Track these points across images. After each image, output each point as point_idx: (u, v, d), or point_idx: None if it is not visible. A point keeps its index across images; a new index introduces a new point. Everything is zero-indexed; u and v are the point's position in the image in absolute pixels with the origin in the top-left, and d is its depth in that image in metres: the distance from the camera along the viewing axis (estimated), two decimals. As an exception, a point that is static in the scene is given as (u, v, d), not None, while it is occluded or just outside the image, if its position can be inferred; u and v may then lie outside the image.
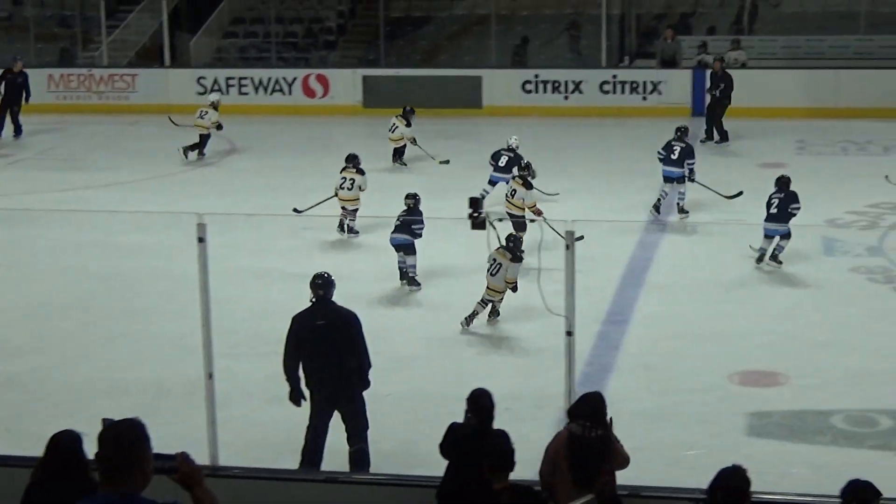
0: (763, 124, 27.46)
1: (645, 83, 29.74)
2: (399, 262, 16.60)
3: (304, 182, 22.40)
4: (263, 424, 12.00)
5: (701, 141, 25.89)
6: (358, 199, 19.13)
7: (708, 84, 27.20)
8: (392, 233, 16.56)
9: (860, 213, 20.13)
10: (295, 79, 31.17)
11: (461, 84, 30.47)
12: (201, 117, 25.39)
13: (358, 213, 19.24)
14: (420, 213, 16.52)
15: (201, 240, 8.87)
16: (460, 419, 8.62)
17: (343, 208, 19.16)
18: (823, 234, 18.86)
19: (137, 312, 15.85)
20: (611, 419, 8.19)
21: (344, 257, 18.00)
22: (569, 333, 8.92)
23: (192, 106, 27.32)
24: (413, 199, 16.72)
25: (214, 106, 25.54)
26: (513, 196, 17.50)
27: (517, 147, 21.14)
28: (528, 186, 17.54)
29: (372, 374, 10.85)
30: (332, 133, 28.66)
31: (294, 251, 18.42)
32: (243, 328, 14.52)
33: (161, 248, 18.15)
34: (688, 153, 20.05)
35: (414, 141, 24.13)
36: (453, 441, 8.59)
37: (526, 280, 14.09)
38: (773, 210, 17.29)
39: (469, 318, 14.89)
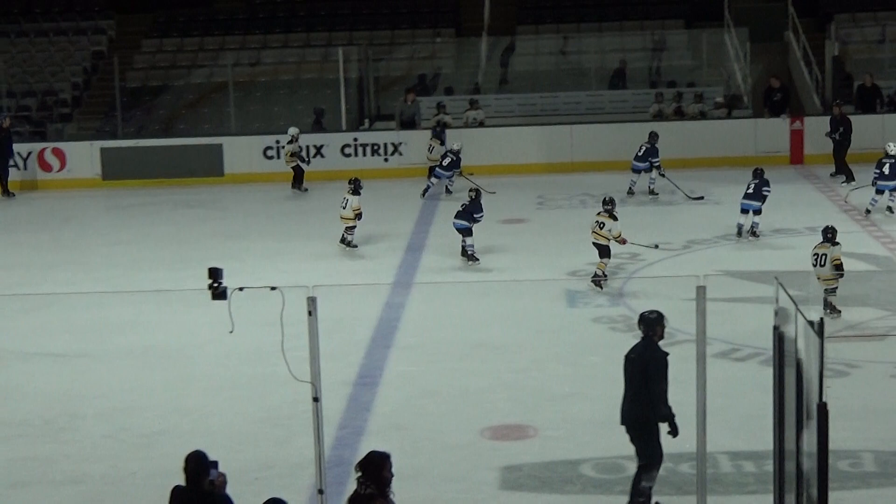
0: (503, 181, 27.91)
1: (386, 145, 29.98)
2: (461, 242, 20.69)
3: (44, 258, 21.86)
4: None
5: (842, 183, 26.85)
6: (353, 217, 21.73)
7: (829, 129, 27.87)
8: (454, 218, 20.85)
9: (600, 264, 20.59)
10: (30, 153, 30.32)
11: (201, 152, 30.18)
12: None
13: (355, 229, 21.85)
14: (480, 205, 20.77)
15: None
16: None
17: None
18: (566, 287, 19.23)
19: None
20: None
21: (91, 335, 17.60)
22: (315, 399, 8.85)
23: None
24: (475, 192, 21.01)
25: None
26: (601, 228, 19.20)
27: (459, 149, 26.62)
28: (614, 218, 19.20)
29: (119, 451, 10.56)
30: (71, 207, 27.97)
31: (31, 331, 17.90)
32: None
33: None
34: (652, 153, 25.90)
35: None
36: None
37: (271, 348, 13.95)
38: (750, 190, 21.74)
39: None
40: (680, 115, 30.89)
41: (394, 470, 8.35)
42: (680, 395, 10.93)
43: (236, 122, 31.75)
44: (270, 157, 29.99)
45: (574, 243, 22.09)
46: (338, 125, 31.04)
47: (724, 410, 12.71)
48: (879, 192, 23.68)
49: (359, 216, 22.06)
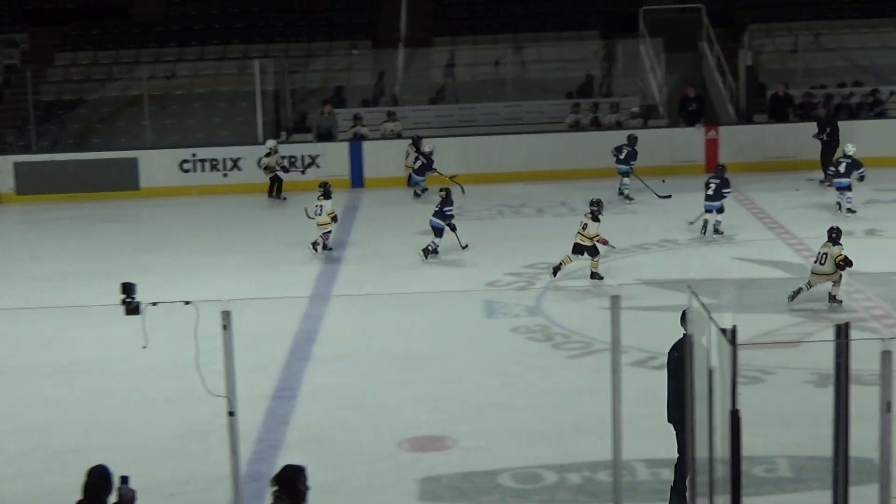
0: (421, 192, 27.98)
1: (303, 157, 29.89)
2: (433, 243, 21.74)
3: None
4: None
5: (821, 182, 27.33)
6: (329, 222, 22.15)
7: (816, 130, 28.12)
8: (431, 216, 21.97)
9: (518, 274, 20.69)
10: (-57, 169, 29.95)
11: (117, 166, 29.94)
12: None
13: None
14: (451, 201, 21.97)
15: None
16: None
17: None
18: (484, 298, 19.27)
19: None
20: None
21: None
22: (231, 414, 8.80)
23: None
24: (445, 191, 22.23)
25: None
26: (584, 229, 19.94)
27: (431, 152, 27.45)
28: (596, 220, 19.97)
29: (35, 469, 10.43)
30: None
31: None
32: None
33: None
34: (632, 155, 26.93)
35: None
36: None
37: (188, 363, 13.85)
38: (710, 192, 22.76)
39: None
40: (596, 125, 31.07)
41: (310, 483, 8.32)
42: (597, 404, 10.97)
43: (152, 136, 31.51)
44: (187, 171, 29.81)
45: (493, 254, 22.21)
46: (255, 138, 30.89)
47: (642, 418, 12.75)
48: (839, 189, 24.77)
49: (335, 219, 22.41)
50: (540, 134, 30.60)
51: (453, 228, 22.04)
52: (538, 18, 35.60)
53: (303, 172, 29.66)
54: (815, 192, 27.01)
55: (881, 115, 30.85)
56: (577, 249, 20.09)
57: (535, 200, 27.09)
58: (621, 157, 27.19)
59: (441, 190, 22.70)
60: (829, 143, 27.93)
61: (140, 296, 9.47)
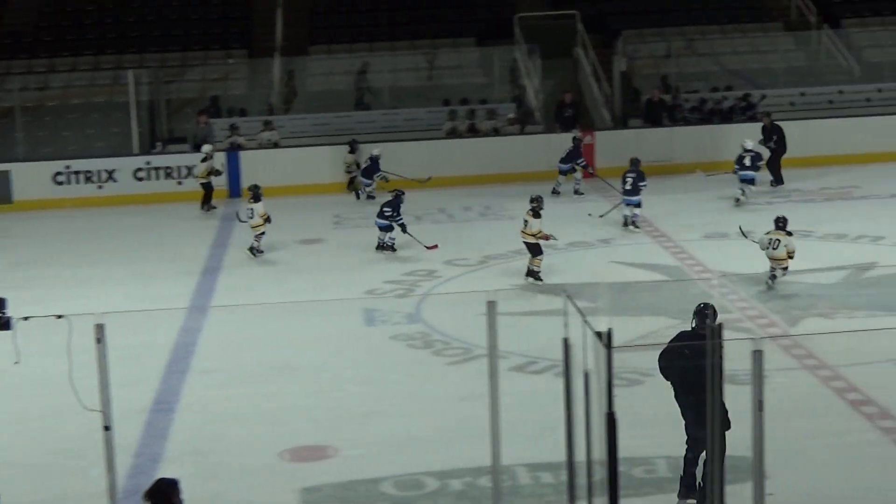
0: (300, 201, 27.87)
1: (179, 168, 29.59)
2: (379, 237, 22.45)
3: None
4: None
5: (771, 183, 27.96)
6: (261, 224, 22.47)
7: (761, 137, 28.27)
8: (376, 217, 22.49)
9: (397, 281, 20.67)
10: None
11: (-12, 179, 29.43)
12: None
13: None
14: (397, 205, 22.33)
15: None
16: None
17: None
18: (364, 306, 19.24)
19: None
20: None
21: None
22: (106, 428, 8.68)
23: None
24: (394, 192, 22.62)
25: None
26: (525, 226, 20.20)
27: (379, 155, 27.58)
28: (537, 216, 20.16)
29: None
30: None
31: None
32: None
33: None
34: (574, 154, 27.71)
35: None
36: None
37: (63, 378, 13.66)
38: (628, 186, 23.72)
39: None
40: (473, 131, 31.18)
41: (185, 496, 8.22)
42: (477, 409, 11.00)
43: (24, 148, 31.03)
44: (61, 183, 29.35)
45: (372, 261, 22.19)
46: (129, 149, 30.55)
47: (522, 423, 12.84)
48: (743, 181, 25.96)
49: (268, 220, 22.60)
50: (417, 142, 30.62)
51: (403, 229, 22.43)
52: (414, 26, 35.65)
53: (179, 183, 29.37)
54: (691, 192, 27.36)
55: (753, 118, 31.33)
56: (533, 249, 20.31)
57: (414, 208, 27.01)
58: (563, 155, 27.93)
59: (391, 190, 23.12)
60: (777, 150, 28.35)
61: (13, 311, 9.31)
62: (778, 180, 28.18)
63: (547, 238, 20.32)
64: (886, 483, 11.77)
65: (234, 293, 20.43)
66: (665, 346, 12.04)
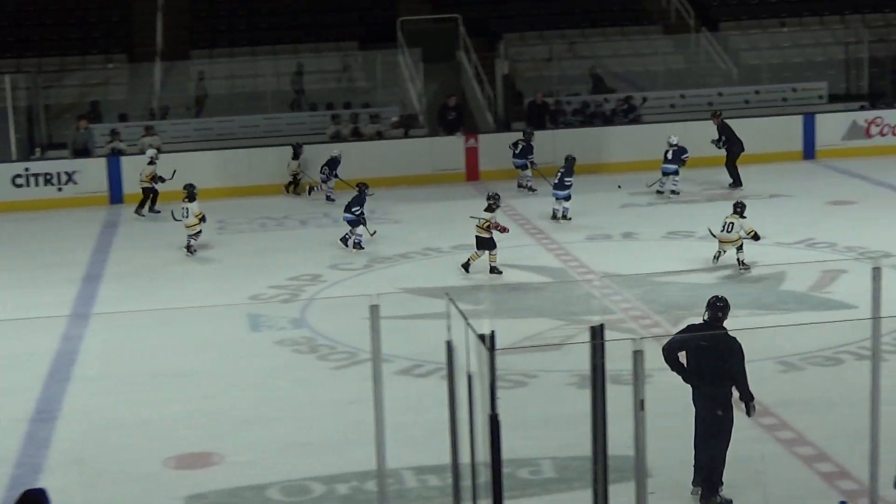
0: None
1: (59, 174, 29.15)
2: (347, 233, 22.97)
3: None
4: None
5: (730, 186, 27.79)
6: (196, 223, 22.82)
7: (716, 137, 28.21)
8: (344, 211, 23.08)
9: (282, 286, 20.59)
10: None
11: None
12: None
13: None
14: (363, 200, 22.91)
15: None
16: None
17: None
18: (248, 311, 19.13)
19: None
20: None
21: None
22: (-15, 439, 8.55)
23: None
24: (359, 186, 23.26)
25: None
26: (479, 222, 20.77)
27: (339, 155, 28.09)
28: (491, 210, 20.78)
29: None
30: None
31: None
32: None
33: None
34: (528, 150, 28.32)
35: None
36: None
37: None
38: (556, 181, 24.88)
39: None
40: (357, 135, 31.15)
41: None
42: (363, 413, 10.98)
43: None
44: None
45: (257, 266, 22.08)
46: (7, 155, 30.08)
47: (408, 426, 12.87)
48: (665, 174, 26.99)
49: (202, 219, 23.05)
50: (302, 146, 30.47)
51: (363, 222, 22.98)
52: (296, 30, 35.53)
53: (59, 189, 28.96)
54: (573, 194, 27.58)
55: (635, 121, 31.69)
56: (479, 244, 20.76)
57: (299, 212, 27.03)
58: (517, 151, 28.41)
59: (357, 184, 23.53)
60: (732, 150, 28.14)
61: None
62: (735, 182, 27.81)
63: (502, 230, 20.84)
64: (766, 478, 11.96)
65: (116, 300, 20.22)
66: (674, 336, 12.38)
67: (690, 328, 12.34)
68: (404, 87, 33.79)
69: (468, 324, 7.98)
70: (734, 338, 11.53)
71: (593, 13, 36.86)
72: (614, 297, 19.19)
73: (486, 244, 20.66)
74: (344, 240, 23.05)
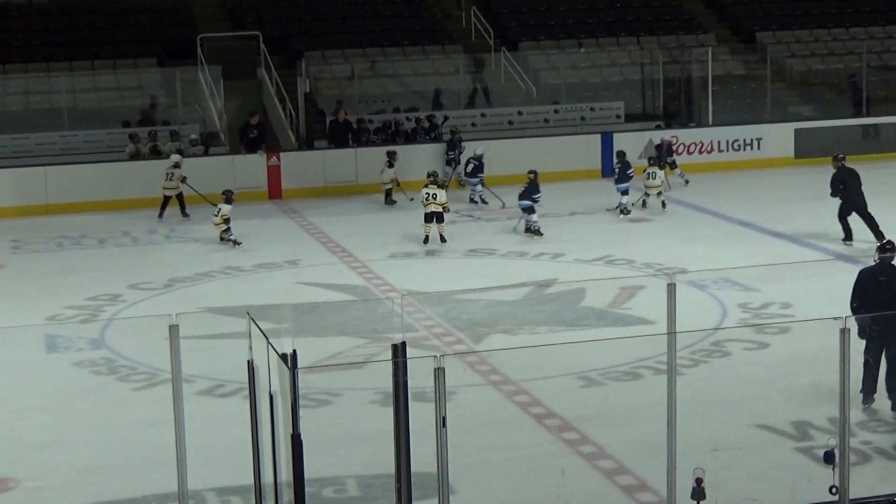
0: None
1: None
2: (525, 220, 24.89)
3: None
4: None
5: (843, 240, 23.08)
6: (224, 222, 24.23)
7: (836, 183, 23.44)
8: (518, 199, 24.99)
9: (80, 307, 20.19)
10: None
11: None
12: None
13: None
14: (538, 186, 24.84)
15: None
16: None
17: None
18: (45, 332, 18.71)
19: None
20: None
21: None
22: None
23: None
24: (533, 174, 25.05)
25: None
26: (435, 199, 23.79)
27: (482, 155, 28.90)
28: (443, 187, 24.48)
29: None
30: None
31: None
32: None
33: None
34: (479, 168, 28.82)
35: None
36: None
37: None
38: (521, 191, 25.15)
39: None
40: (157, 153, 30.70)
41: None
42: (164, 434, 10.83)
43: None
44: None
45: (54, 286, 21.63)
46: None
47: (210, 447, 12.70)
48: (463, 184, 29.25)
49: (226, 221, 24.37)
50: (99, 164, 29.95)
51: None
52: (93, 46, 34.91)
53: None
54: (375, 212, 27.66)
55: (436, 139, 31.90)
56: (429, 218, 23.77)
57: (97, 231, 26.54)
58: (468, 170, 29.18)
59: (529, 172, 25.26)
60: (848, 200, 23.15)
61: None
62: (847, 236, 23.22)
63: (448, 210, 24.21)
64: (568, 492, 12.13)
65: None
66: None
67: (864, 273, 14.40)
68: (204, 104, 33.46)
69: (269, 343, 7.95)
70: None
71: (394, 32, 37.04)
72: (417, 314, 19.26)
73: (438, 218, 23.81)
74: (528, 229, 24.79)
